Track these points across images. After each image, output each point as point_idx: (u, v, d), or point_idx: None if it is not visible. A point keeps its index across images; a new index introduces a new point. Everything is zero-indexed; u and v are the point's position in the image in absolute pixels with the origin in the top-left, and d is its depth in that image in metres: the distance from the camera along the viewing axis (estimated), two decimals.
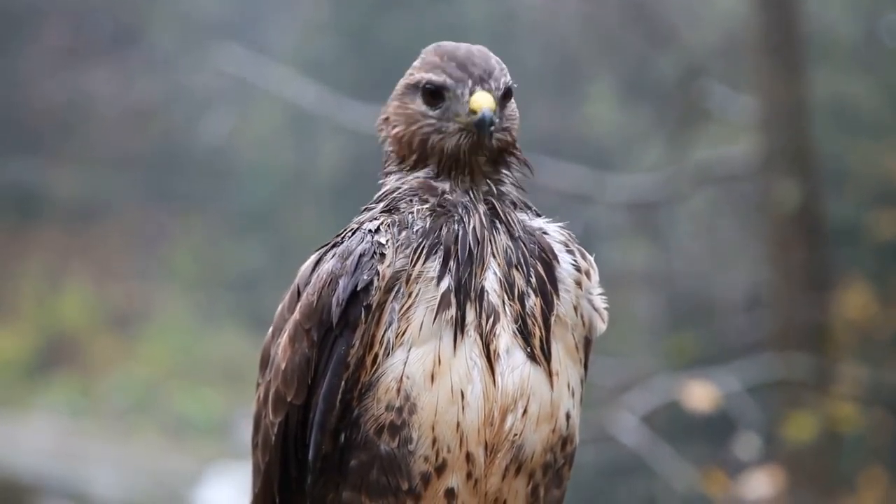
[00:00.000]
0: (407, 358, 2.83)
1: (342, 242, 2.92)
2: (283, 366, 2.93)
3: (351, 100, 12.12)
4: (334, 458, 2.88)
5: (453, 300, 2.84)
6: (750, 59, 11.67)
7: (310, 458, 2.88)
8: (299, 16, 21.18)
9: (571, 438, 2.94)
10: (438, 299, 2.84)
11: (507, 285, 2.87)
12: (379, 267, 2.84)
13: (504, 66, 3.03)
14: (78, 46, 21.46)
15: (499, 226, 2.92)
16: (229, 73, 14.62)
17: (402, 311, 2.84)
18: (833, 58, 14.06)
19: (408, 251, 2.86)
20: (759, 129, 11.13)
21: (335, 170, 19.92)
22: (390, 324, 2.85)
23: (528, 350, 2.87)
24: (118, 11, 21.64)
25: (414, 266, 2.85)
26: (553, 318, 2.90)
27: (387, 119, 3.03)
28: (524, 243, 2.92)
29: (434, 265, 2.86)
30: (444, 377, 2.82)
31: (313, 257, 2.98)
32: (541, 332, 2.88)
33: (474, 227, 2.89)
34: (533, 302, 2.88)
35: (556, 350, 2.91)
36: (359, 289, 2.84)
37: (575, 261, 2.98)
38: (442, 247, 2.86)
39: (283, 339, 2.95)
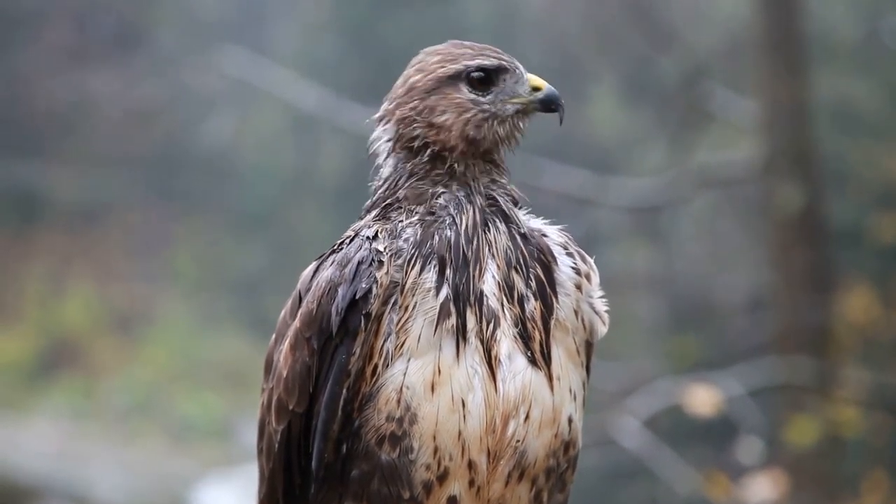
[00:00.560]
0: (406, 368, 2.82)
1: (341, 249, 2.91)
2: (284, 374, 2.93)
3: (352, 102, 12.12)
4: (336, 468, 2.88)
5: (453, 309, 2.83)
6: (752, 61, 11.66)
7: (313, 466, 2.89)
8: (301, 18, 21.18)
9: (574, 443, 2.94)
10: (438, 309, 2.83)
11: (507, 288, 2.86)
12: (377, 274, 2.84)
13: None
14: (81, 48, 21.47)
15: (499, 224, 2.91)
16: (231, 75, 14.62)
17: (399, 324, 2.84)
18: (835, 60, 14.04)
19: (400, 262, 2.85)
20: (761, 131, 11.12)
21: (337, 172, 19.92)
22: (388, 335, 2.84)
23: (529, 354, 2.86)
24: (121, 13, 21.65)
25: (408, 277, 2.84)
26: (553, 322, 2.89)
27: (406, 119, 2.96)
28: (523, 244, 2.91)
29: (430, 276, 2.84)
30: (444, 387, 2.81)
31: (314, 264, 2.98)
32: (541, 336, 2.87)
33: (467, 228, 2.87)
34: (532, 306, 2.88)
35: (557, 354, 2.90)
36: (357, 297, 2.83)
37: (575, 264, 2.97)
38: (436, 256, 2.85)
39: (285, 346, 2.95)
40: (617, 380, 10.53)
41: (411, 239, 2.87)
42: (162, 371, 19.83)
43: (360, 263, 2.85)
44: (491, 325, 2.84)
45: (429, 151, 2.94)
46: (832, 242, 11.40)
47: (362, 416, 2.84)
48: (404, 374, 2.82)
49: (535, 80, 2.97)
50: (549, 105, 2.97)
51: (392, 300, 2.85)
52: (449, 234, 2.87)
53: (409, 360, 2.83)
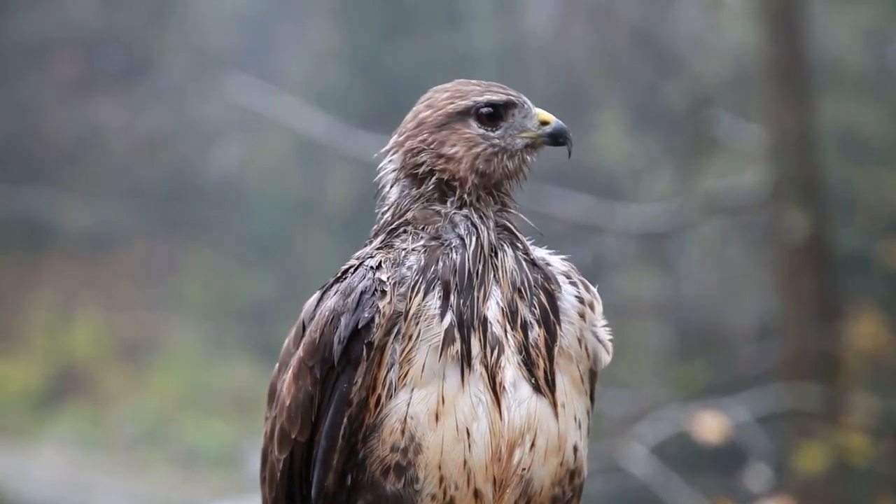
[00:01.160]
0: (410, 398, 2.83)
1: (345, 279, 2.92)
2: (287, 402, 2.94)
3: (360, 130, 12.14)
4: (341, 499, 2.88)
5: (457, 335, 2.84)
6: (758, 88, 11.67)
7: (312, 495, 2.88)
8: (308, 46, 21.24)
9: (579, 471, 2.94)
10: (442, 336, 2.83)
11: (510, 313, 2.87)
12: (380, 304, 2.85)
13: None
14: (88, 78, 21.54)
15: (507, 249, 2.92)
16: (238, 103, 14.66)
17: (402, 354, 2.84)
18: (842, 86, 14.05)
19: (404, 290, 2.86)
20: (767, 157, 11.12)
21: (344, 199, 19.93)
22: (392, 365, 2.85)
23: (533, 381, 2.86)
24: (128, 43, 21.72)
25: (411, 304, 2.84)
26: (556, 349, 2.90)
27: (414, 150, 2.99)
28: (529, 270, 2.92)
29: (434, 302, 2.85)
30: (448, 416, 2.81)
31: (317, 294, 2.99)
32: (545, 364, 2.88)
33: (476, 250, 2.88)
34: (536, 333, 2.89)
35: (561, 382, 2.90)
36: (360, 326, 2.85)
37: (578, 293, 2.98)
38: (439, 281, 2.86)
39: (288, 375, 2.96)
40: (624, 406, 10.50)
41: (415, 266, 2.88)
42: (169, 399, 19.80)
43: (363, 293, 2.86)
44: (495, 352, 2.85)
45: (434, 178, 2.96)
46: (839, 269, 11.39)
47: (366, 447, 2.85)
48: (408, 404, 2.83)
49: (544, 115, 3.02)
50: (557, 139, 3.01)
51: (395, 330, 2.86)
52: (455, 257, 2.88)
53: (412, 389, 2.83)
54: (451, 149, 2.96)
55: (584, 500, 2.99)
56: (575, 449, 2.91)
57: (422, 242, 2.91)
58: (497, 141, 2.97)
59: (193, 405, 19.84)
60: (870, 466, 11.00)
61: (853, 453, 10.23)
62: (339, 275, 2.98)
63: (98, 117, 21.18)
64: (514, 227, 2.98)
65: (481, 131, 2.96)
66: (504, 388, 2.84)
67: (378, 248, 2.96)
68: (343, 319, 2.86)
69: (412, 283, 2.86)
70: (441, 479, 2.82)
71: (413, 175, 2.98)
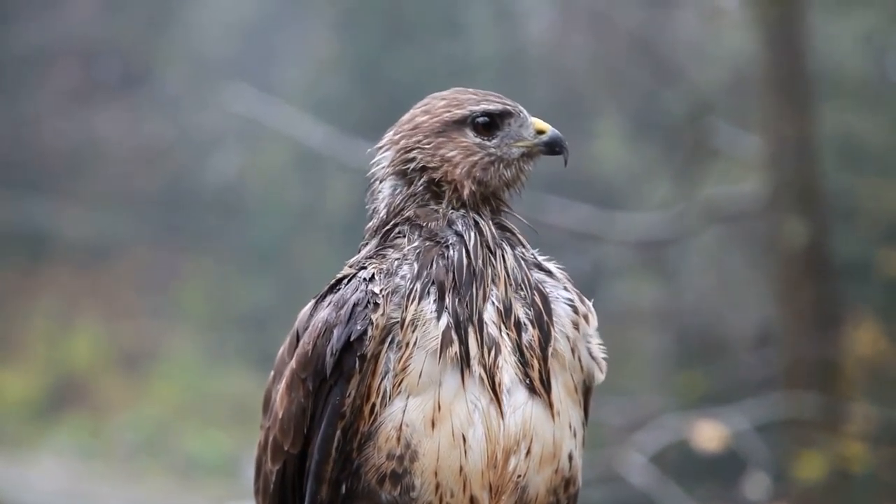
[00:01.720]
0: (406, 405, 2.82)
1: (339, 290, 2.92)
2: (280, 414, 2.93)
3: (359, 138, 12.14)
4: None
5: (454, 336, 2.82)
6: (757, 96, 11.68)
7: None
8: (307, 55, 21.25)
9: (574, 480, 2.93)
10: (440, 339, 2.82)
11: (504, 312, 2.86)
12: (373, 316, 2.84)
13: None
14: (87, 87, 21.56)
15: (506, 247, 2.92)
16: (238, 112, 14.66)
17: (399, 361, 2.83)
18: (840, 95, 14.06)
19: (398, 299, 2.85)
20: (766, 166, 11.13)
21: (344, 208, 19.93)
22: (386, 373, 2.84)
23: (528, 382, 2.85)
24: (127, 52, 21.74)
25: (407, 312, 2.84)
26: (550, 351, 2.89)
27: (407, 147, 2.98)
28: (527, 270, 2.92)
29: (429, 306, 2.84)
30: (444, 422, 2.81)
31: (311, 303, 2.99)
32: (539, 364, 2.87)
33: (475, 245, 2.88)
34: (531, 334, 2.88)
35: (556, 386, 2.89)
36: (352, 339, 2.83)
37: (572, 300, 2.97)
38: (434, 284, 2.85)
39: (282, 385, 2.95)
40: (623, 415, 10.50)
41: (408, 275, 2.87)
42: (169, 408, 19.80)
43: (355, 305, 2.85)
44: (492, 352, 2.84)
45: (425, 178, 2.96)
46: (838, 277, 11.39)
47: (362, 455, 2.84)
48: (404, 411, 2.82)
49: (540, 124, 3.01)
50: (553, 147, 3.01)
51: (390, 338, 2.84)
52: (452, 254, 2.88)
53: (408, 397, 2.82)
54: (448, 152, 2.95)
55: None
56: (570, 457, 2.90)
57: (416, 244, 2.90)
58: (493, 150, 2.96)
59: (192, 414, 19.83)
60: (869, 474, 10.99)
61: (852, 461, 10.22)
62: (333, 283, 2.97)
63: (97, 127, 21.19)
64: (513, 229, 2.98)
65: (478, 140, 2.96)
66: (503, 388, 2.83)
67: (370, 258, 2.94)
68: (336, 332, 2.85)
69: (406, 292, 2.85)
70: (437, 486, 2.81)
71: (403, 172, 2.97)
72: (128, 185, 21.38)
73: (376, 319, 2.83)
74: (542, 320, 2.90)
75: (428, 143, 2.96)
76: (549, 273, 2.99)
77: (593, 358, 3.00)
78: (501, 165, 2.96)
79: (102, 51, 21.78)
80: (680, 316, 15.42)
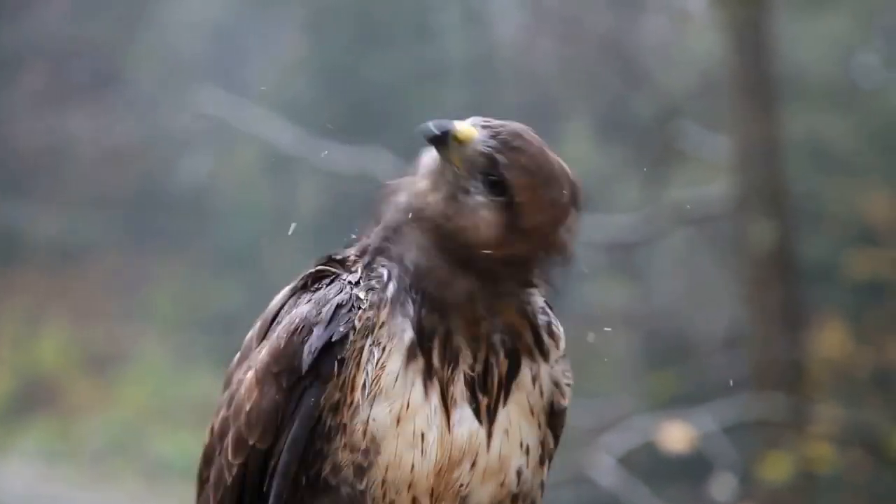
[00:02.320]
0: (375, 407, 2.79)
1: (320, 289, 2.87)
2: (247, 407, 2.88)
3: (330, 141, 12.14)
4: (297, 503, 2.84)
5: (419, 351, 2.79)
6: (725, 99, 11.73)
7: None
8: (278, 57, 21.23)
9: (525, 496, 2.87)
10: (406, 350, 2.80)
11: (473, 333, 2.81)
12: (355, 320, 2.79)
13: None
14: (57, 89, 21.47)
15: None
16: (208, 114, 14.64)
17: (376, 367, 2.79)
18: (808, 98, 14.14)
19: (377, 306, 2.81)
20: (734, 168, 11.19)
21: (315, 210, 19.91)
22: (365, 378, 2.80)
23: (474, 406, 2.81)
24: (97, 54, 21.66)
25: (380, 317, 2.81)
26: (515, 383, 2.84)
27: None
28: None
29: (402, 319, 2.81)
30: (407, 423, 2.79)
31: (288, 291, 2.95)
32: (495, 391, 2.82)
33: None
34: (500, 358, 2.83)
35: (507, 410, 2.84)
36: (333, 340, 2.79)
37: (549, 324, 2.91)
38: (411, 298, 2.80)
39: (250, 375, 2.90)
40: (592, 416, 10.53)
41: (392, 284, 2.83)
42: (138, 411, 19.73)
43: (339, 307, 2.80)
44: (451, 367, 2.80)
45: None
46: (806, 279, 11.45)
47: (327, 448, 2.81)
48: (371, 406, 2.79)
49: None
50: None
51: (369, 342, 2.81)
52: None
53: (380, 399, 2.79)
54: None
55: None
56: (519, 473, 2.84)
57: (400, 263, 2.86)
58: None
59: (161, 416, 19.76)
60: (835, 475, 11.06)
61: (819, 463, 10.28)
62: (313, 274, 2.92)
63: (67, 128, 21.10)
64: None
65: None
66: (455, 401, 2.81)
67: (356, 260, 2.89)
68: (316, 330, 2.80)
69: (385, 300, 2.80)
70: (383, 482, 2.79)
71: None
72: (98, 187, 21.30)
73: (358, 323, 2.80)
74: (516, 349, 2.84)
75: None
76: (535, 297, 2.91)
77: (556, 385, 2.92)
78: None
79: (73, 52, 21.70)
80: (648, 318, 15.46)
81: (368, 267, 2.87)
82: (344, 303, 2.81)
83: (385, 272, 2.84)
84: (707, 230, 13.81)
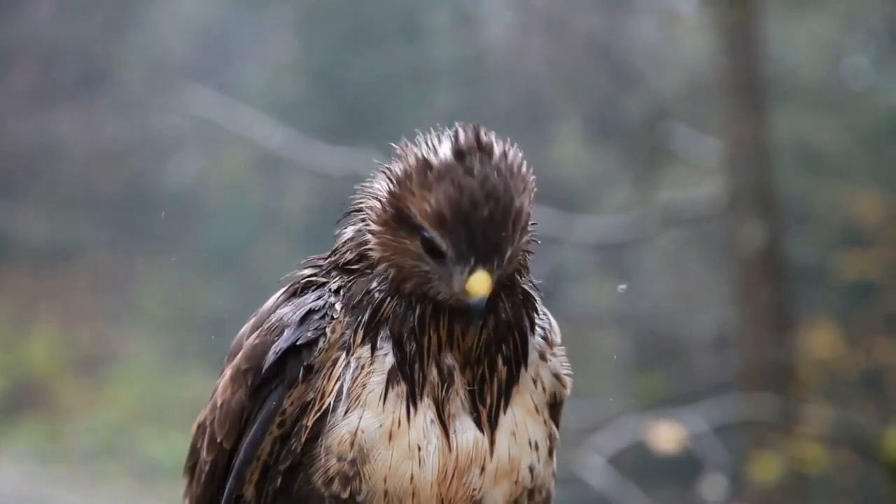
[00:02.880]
0: (362, 415, 2.75)
1: (304, 293, 2.84)
2: (219, 403, 2.86)
3: (319, 141, 12.14)
4: None
5: (399, 374, 2.74)
6: (715, 100, 11.76)
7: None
8: (267, 58, 21.22)
9: (540, 489, 2.88)
10: (387, 371, 2.75)
11: (461, 349, 2.77)
12: (327, 329, 2.76)
13: (523, 202, 2.83)
14: (46, 89, 21.43)
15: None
16: (197, 115, 14.62)
17: (354, 382, 2.75)
18: (797, 100, 14.17)
19: (355, 323, 2.76)
20: (723, 170, 11.22)
21: (304, 211, 19.91)
22: (341, 381, 2.76)
23: (475, 415, 2.78)
24: (86, 54, 21.63)
25: (358, 338, 2.75)
26: (515, 388, 2.81)
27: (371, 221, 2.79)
28: (509, 316, 2.80)
29: (381, 338, 2.76)
30: (400, 438, 2.74)
31: (282, 293, 2.92)
32: (495, 400, 2.80)
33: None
34: (499, 370, 2.79)
35: (512, 413, 2.82)
36: (299, 343, 2.75)
37: (545, 330, 2.89)
38: (389, 325, 2.75)
39: (227, 373, 2.88)
40: (582, 417, 10.54)
41: (376, 294, 2.78)
42: (128, 412, 19.70)
43: (311, 311, 2.78)
44: (445, 385, 2.76)
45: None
46: (795, 280, 11.48)
47: (309, 454, 2.77)
48: (360, 418, 2.75)
49: (472, 287, 2.70)
50: (469, 314, 2.72)
51: (345, 354, 2.76)
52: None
53: (364, 412, 2.75)
54: (386, 251, 2.76)
55: None
56: (531, 468, 2.84)
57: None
58: (429, 270, 2.71)
59: (152, 417, 19.73)
60: (824, 476, 11.09)
61: (808, 463, 10.31)
62: (304, 281, 2.89)
63: (56, 128, 21.07)
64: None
65: (421, 251, 2.70)
66: (452, 415, 2.76)
67: (342, 269, 2.84)
68: (286, 332, 2.77)
69: (364, 320, 2.75)
70: (385, 493, 2.75)
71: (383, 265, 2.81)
72: (86, 187, 21.27)
73: (329, 332, 2.75)
74: (517, 360, 2.80)
75: (387, 244, 2.76)
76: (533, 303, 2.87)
77: (557, 377, 2.92)
78: (435, 287, 2.73)
79: (61, 52, 21.66)
80: (638, 319, 15.48)
81: (348, 279, 2.82)
82: (317, 308, 2.78)
83: (361, 293, 2.78)
84: (697, 231, 13.84)
